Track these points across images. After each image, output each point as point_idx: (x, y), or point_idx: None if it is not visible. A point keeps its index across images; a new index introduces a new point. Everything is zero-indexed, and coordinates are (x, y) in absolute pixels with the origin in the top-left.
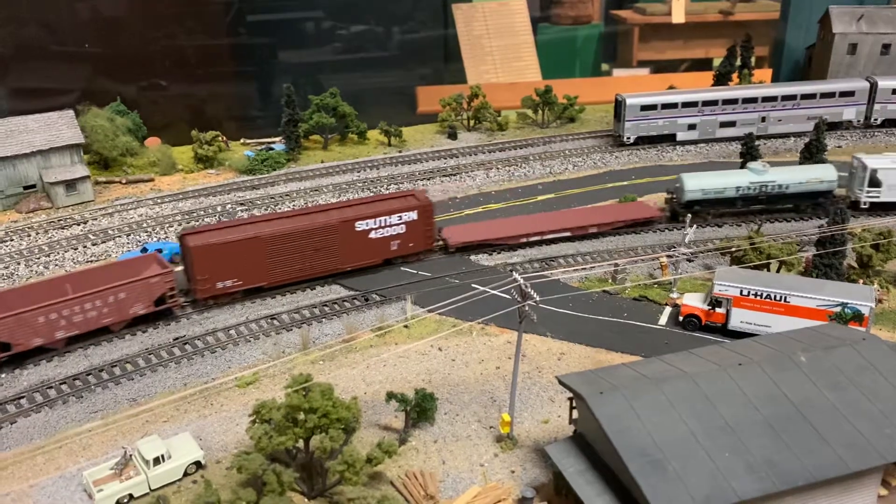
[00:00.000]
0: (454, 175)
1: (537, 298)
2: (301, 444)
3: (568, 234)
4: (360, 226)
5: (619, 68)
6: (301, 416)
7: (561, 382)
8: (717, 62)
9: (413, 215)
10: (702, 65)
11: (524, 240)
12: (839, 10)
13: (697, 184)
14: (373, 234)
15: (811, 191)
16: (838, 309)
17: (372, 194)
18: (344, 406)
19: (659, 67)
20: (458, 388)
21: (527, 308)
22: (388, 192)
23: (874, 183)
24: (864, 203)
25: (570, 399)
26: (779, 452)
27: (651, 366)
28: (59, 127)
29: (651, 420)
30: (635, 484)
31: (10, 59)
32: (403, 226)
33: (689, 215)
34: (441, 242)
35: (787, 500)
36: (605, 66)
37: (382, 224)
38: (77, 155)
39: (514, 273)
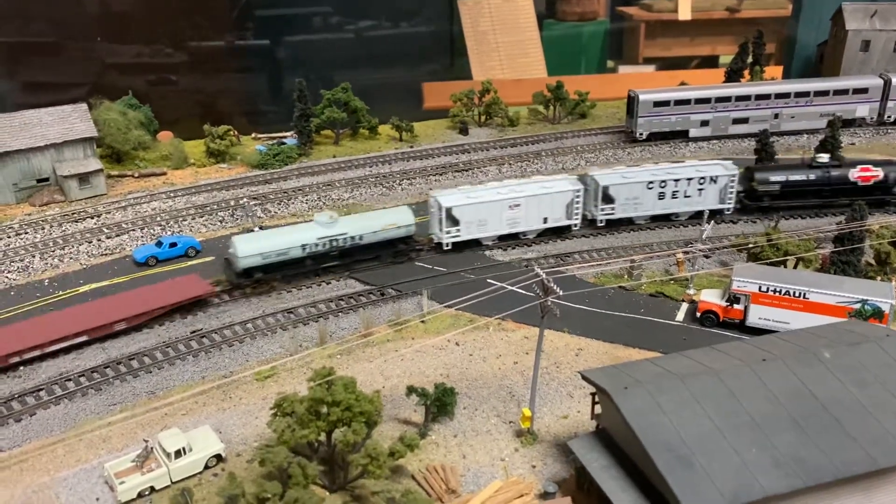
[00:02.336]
0: (466, 171)
1: (560, 293)
2: (323, 437)
3: (85, 338)
4: None
5: (624, 65)
6: (324, 409)
7: (584, 378)
8: (723, 59)
9: None
10: (708, 62)
11: None
12: (852, 7)
13: (254, 248)
14: None
15: (390, 238)
16: (858, 306)
17: None
18: (367, 399)
19: (665, 64)
20: (476, 383)
21: (549, 303)
22: None
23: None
24: (447, 245)
25: (593, 394)
26: (805, 448)
27: (674, 361)
28: (73, 120)
29: (676, 415)
30: (662, 479)
31: (22, 53)
32: None
33: (707, 211)
34: None
35: (812, 497)
36: (610, 63)
37: None
38: (90, 148)
39: (536, 268)
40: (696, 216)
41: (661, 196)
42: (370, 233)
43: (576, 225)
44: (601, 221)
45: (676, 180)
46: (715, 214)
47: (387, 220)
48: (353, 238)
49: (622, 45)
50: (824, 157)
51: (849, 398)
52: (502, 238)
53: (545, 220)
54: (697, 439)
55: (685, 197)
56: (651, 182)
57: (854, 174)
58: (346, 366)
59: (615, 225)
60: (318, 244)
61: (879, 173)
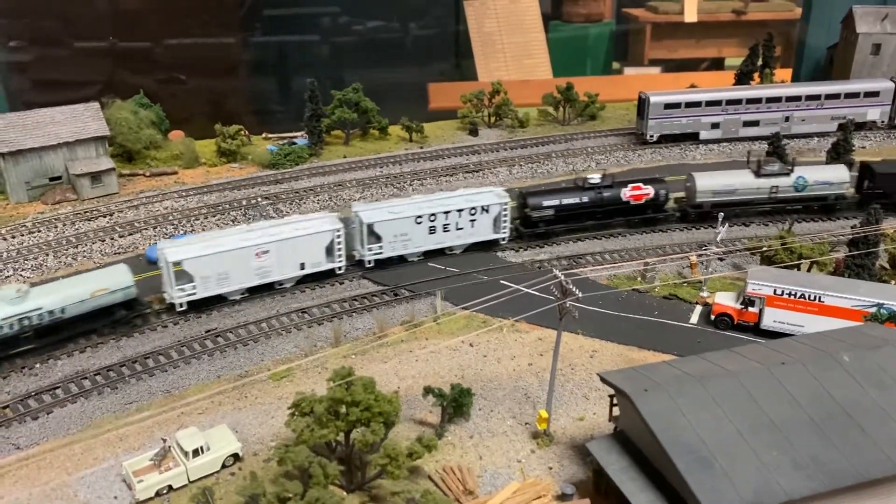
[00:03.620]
0: (477, 171)
1: (580, 295)
2: (341, 437)
3: None
4: None
5: (630, 67)
6: (343, 409)
7: (603, 380)
8: (729, 62)
9: None
10: (714, 64)
11: None
12: (863, 10)
13: None
14: None
15: (104, 305)
16: (874, 309)
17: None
18: (386, 400)
19: (671, 66)
20: (491, 384)
21: (568, 304)
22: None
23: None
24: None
25: (611, 396)
26: (826, 451)
27: (693, 364)
28: (85, 119)
29: (696, 417)
30: (682, 481)
31: (34, 51)
32: None
33: (721, 214)
34: None
35: (833, 500)
36: (616, 65)
37: None
38: (102, 147)
39: (555, 270)
40: (474, 247)
41: (432, 230)
42: (75, 303)
43: (339, 268)
44: (370, 262)
45: (447, 212)
46: (491, 245)
47: (96, 284)
48: (51, 313)
49: (628, 46)
50: (595, 178)
51: (868, 401)
52: (252, 290)
53: (302, 266)
54: (717, 441)
55: (457, 229)
56: (420, 216)
57: (626, 194)
58: (361, 366)
59: (387, 264)
60: (1, 326)
61: (650, 191)
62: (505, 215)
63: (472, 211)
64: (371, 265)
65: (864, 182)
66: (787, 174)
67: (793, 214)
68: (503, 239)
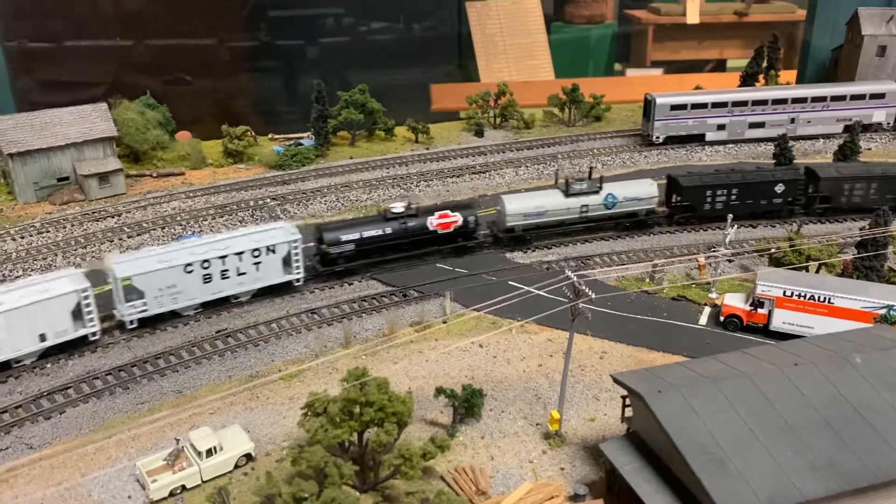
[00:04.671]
0: (483, 172)
1: (593, 296)
2: (355, 437)
3: None
4: None
5: (632, 68)
6: (356, 409)
7: (616, 381)
8: (731, 63)
9: None
10: (716, 66)
11: None
12: (868, 12)
13: None
14: None
15: None
16: (884, 311)
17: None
18: (399, 400)
19: (673, 68)
20: (501, 385)
21: (581, 306)
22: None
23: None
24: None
25: (624, 397)
26: (840, 452)
27: (706, 365)
28: (93, 120)
29: (710, 418)
30: (697, 482)
31: (41, 52)
32: None
33: (730, 216)
34: None
35: (847, 502)
36: (618, 66)
37: None
38: (110, 148)
39: (567, 271)
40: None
41: (208, 279)
42: None
43: (93, 334)
44: (132, 322)
45: (223, 257)
46: (285, 288)
47: None
48: None
49: (630, 48)
50: (398, 208)
51: (881, 402)
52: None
53: (42, 338)
54: (732, 442)
55: (239, 275)
56: (190, 265)
57: (433, 222)
58: (372, 366)
59: (154, 322)
60: None
61: (458, 219)
62: (297, 254)
63: (256, 253)
64: (134, 325)
65: (672, 196)
66: (597, 192)
67: (602, 232)
68: (297, 280)
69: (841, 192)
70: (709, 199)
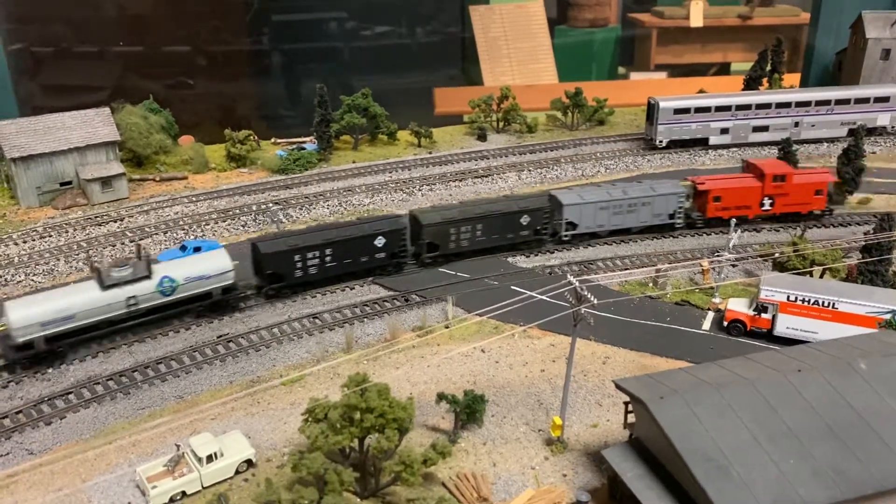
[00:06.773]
0: (486, 177)
1: (595, 301)
2: (355, 443)
3: None
4: None
5: (635, 72)
6: (357, 415)
7: (618, 387)
8: (735, 67)
9: None
10: (720, 69)
11: None
12: (872, 16)
13: None
14: None
15: None
16: (889, 316)
17: None
18: (400, 406)
19: (677, 71)
20: (503, 391)
21: (583, 311)
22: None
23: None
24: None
25: (626, 403)
26: (844, 459)
27: (709, 371)
28: (96, 124)
29: (713, 425)
30: (700, 489)
31: (44, 57)
32: None
33: (734, 220)
34: None
35: None
36: (621, 70)
37: None
38: (113, 152)
39: (569, 276)
40: None
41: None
42: None
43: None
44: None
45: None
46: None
47: None
48: None
49: (633, 51)
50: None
51: (886, 409)
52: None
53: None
54: (735, 449)
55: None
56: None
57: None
58: (373, 372)
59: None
60: None
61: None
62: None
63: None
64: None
65: (259, 264)
66: (147, 277)
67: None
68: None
69: (448, 238)
70: (299, 265)
